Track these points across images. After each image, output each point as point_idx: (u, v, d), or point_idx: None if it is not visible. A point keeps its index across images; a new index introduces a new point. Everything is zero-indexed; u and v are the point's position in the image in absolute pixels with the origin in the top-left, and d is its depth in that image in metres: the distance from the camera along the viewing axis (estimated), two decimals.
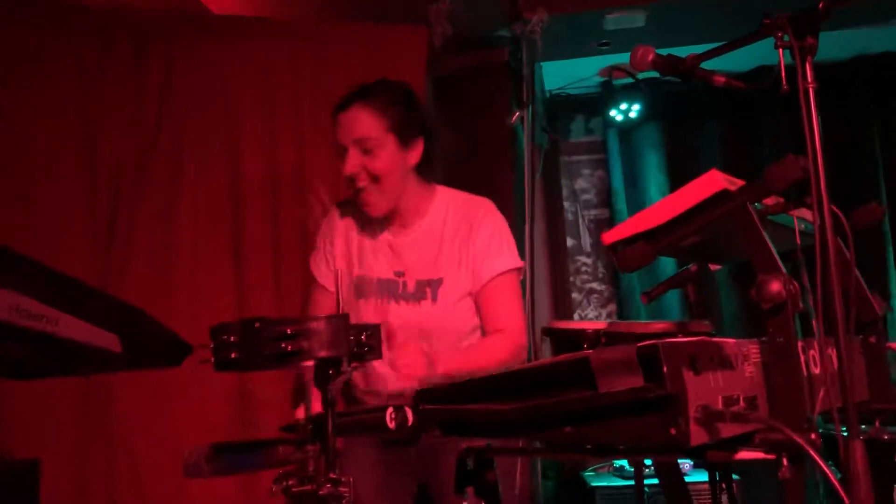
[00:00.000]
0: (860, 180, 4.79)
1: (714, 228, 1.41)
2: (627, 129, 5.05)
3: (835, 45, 4.40)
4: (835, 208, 1.43)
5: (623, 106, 4.92)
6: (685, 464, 3.55)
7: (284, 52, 2.89)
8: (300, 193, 2.80)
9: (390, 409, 1.46)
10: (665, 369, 1.04)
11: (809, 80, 1.35)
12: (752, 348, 1.28)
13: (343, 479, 1.32)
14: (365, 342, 1.36)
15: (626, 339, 2.23)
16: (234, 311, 2.64)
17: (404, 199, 2.08)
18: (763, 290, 1.21)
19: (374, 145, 1.99)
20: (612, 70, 4.72)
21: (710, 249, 1.70)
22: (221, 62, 2.80)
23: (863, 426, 3.01)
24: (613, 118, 4.97)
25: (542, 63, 4.31)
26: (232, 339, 1.27)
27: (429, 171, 2.14)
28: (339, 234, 2.16)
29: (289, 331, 1.24)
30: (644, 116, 4.95)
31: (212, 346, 1.31)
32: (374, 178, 2.00)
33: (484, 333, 2.11)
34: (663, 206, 1.44)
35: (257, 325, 1.26)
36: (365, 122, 1.99)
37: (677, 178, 4.87)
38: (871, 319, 1.75)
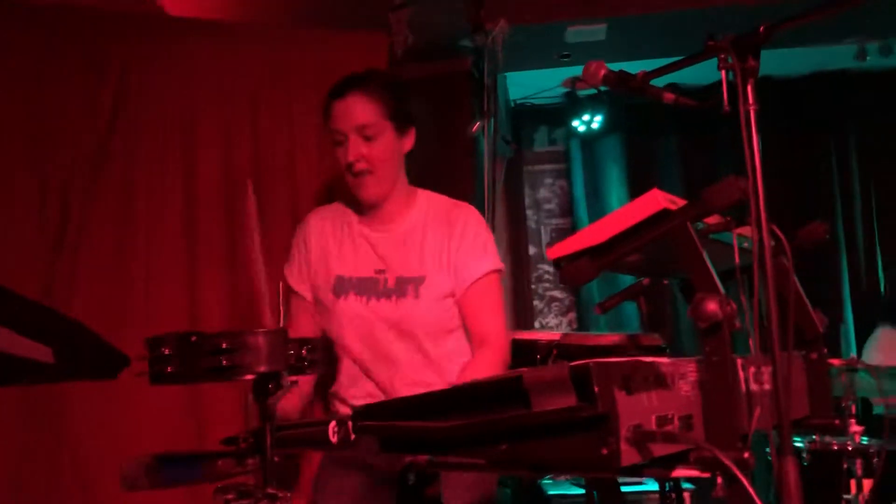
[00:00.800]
0: (815, 195, 4.87)
1: (656, 246, 1.42)
2: (590, 140, 5.10)
3: (793, 61, 4.48)
4: (775, 228, 1.45)
5: (586, 117, 4.96)
6: None
7: (242, 56, 2.86)
8: (257, 198, 2.78)
9: (333, 423, 1.45)
10: (596, 389, 1.05)
11: (751, 101, 1.37)
12: (690, 367, 1.30)
13: (280, 495, 1.31)
14: (305, 356, 1.35)
15: (577, 351, 2.25)
16: (187, 319, 2.60)
17: (393, 192, 2.10)
18: (699, 309, 1.22)
19: (375, 132, 2.03)
20: (575, 81, 4.76)
21: (654, 266, 1.71)
22: (178, 65, 2.77)
23: (813, 437, 3.06)
24: (576, 129, 5.02)
25: (506, 73, 4.33)
26: (167, 351, 1.25)
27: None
28: (314, 238, 2.17)
29: (225, 345, 1.23)
30: (606, 127, 5.00)
31: (148, 358, 1.29)
32: (373, 165, 2.04)
33: (469, 339, 2.13)
34: (606, 224, 1.45)
35: (194, 338, 1.24)
36: (365, 109, 2.02)
37: (638, 188, 4.89)
38: (813, 336, 1.78)
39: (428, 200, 2.17)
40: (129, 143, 2.69)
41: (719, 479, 1.20)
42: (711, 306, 1.22)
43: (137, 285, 2.62)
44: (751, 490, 1.05)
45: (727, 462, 1.06)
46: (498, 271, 2.14)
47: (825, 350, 1.84)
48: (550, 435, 1.10)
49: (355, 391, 2.10)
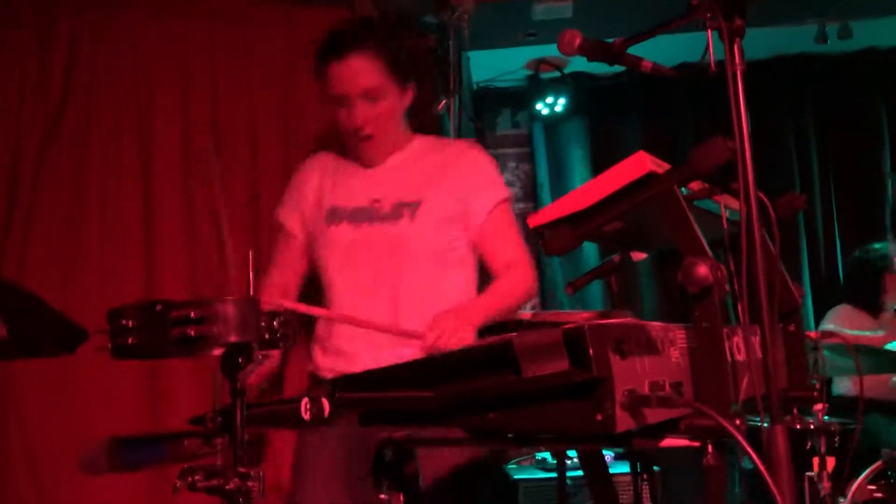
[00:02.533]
0: (775, 177, 4.91)
1: (639, 213, 1.38)
2: (553, 123, 5.06)
3: (754, 43, 4.49)
4: (761, 194, 1.42)
5: (549, 100, 4.92)
6: (606, 455, 3.56)
7: (202, 31, 2.76)
8: (216, 178, 2.68)
9: (306, 400, 1.38)
10: (591, 352, 1.00)
11: (738, 62, 1.33)
12: (679, 333, 1.26)
13: (252, 473, 1.24)
14: (277, 328, 1.28)
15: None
16: (144, 295, 2.51)
17: (396, 144, 2.07)
18: (690, 273, 1.18)
19: (379, 94, 1.96)
20: (539, 63, 4.72)
21: (635, 235, 1.67)
22: (134, 39, 2.65)
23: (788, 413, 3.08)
24: (539, 112, 4.97)
25: (469, 53, 4.27)
26: (131, 323, 1.18)
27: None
28: (314, 176, 2.12)
29: (193, 314, 1.15)
30: (569, 111, 4.97)
31: (109, 331, 1.21)
32: (378, 127, 1.98)
33: (492, 271, 2.07)
34: (589, 190, 1.41)
35: (159, 307, 1.16)
36: (370, 72, 1.94)
37: (601, 172, 4.90)
38: (792, 308, 1.76)
39: (426, 138, 2.15)
40: (81, 120, 2.58)
41: (710, 448, 1.17)
42: (702, 270, 1.18)
43: (91, 265, 2.52)
44: (752, 453, 1.01)
45: (728, 426, 1.02)
46: (508, 199, 2.10)
47: (801, 323, 1.83)
48: (542, 401, 1.05)
49: (342, 330, 1.98)
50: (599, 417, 1.00)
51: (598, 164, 5.00)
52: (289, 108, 2.67)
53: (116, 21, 2.63)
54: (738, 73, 1.33)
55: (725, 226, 1.37)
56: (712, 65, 1.35)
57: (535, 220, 1.45)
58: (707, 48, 1.41)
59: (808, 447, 2.96)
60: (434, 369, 1.14)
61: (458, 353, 1.14)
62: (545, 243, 1.46)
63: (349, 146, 2.06)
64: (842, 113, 4.94)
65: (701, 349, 1.21)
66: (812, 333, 2.25)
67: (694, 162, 1.29)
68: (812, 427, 2.99)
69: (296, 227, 2.10)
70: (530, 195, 5.16)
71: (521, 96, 5.06)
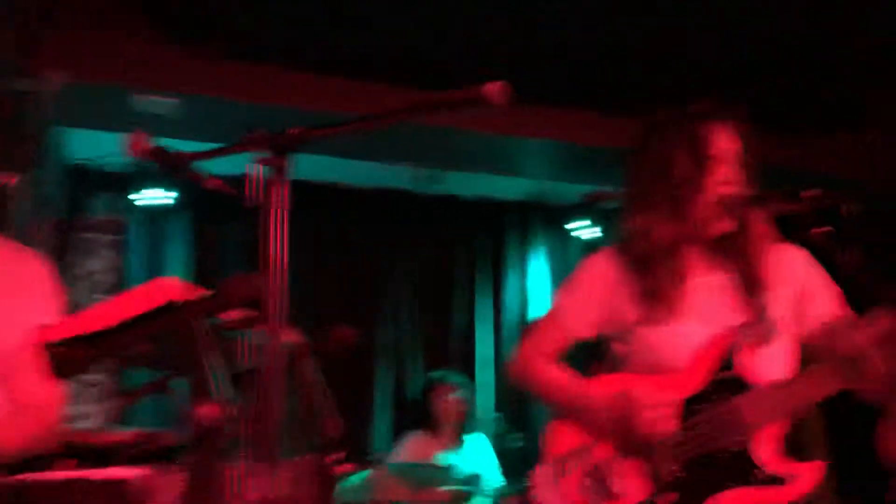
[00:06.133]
0: (369, 304, 5.21)
1: (167, 340, 1.31)
2: (155, 215, 4.83)
3: (354, 172, 4.78)
4: (297, 333, 1.44)
5: (159, 191, 4.70)
6: None
7: None
8: None
9: None
10: None
11: (275, 199, 1.35)
12: (176, 478, 1.18)
13: None
14: None
15: (82, 450, 2.00)
16: None
17: None
18: (190, 415, 1.12)
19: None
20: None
21: (170, 359, 1.58)
22: None
23: None
24: (142, 201, 4.73)
25: (67, 129, 3.94)
26: None
27: None
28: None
29: None
30: (177, 205, 4.80)
31: None
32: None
33: None
34: (110, 309, 1.30)
35: None
36: None
37: (203, 271, 4.78)
38: (327, 440, 1.79)
39: None
40: None
41: None
42: (203, 411, 1.13)
43: None
44: None
45: None
46: None
47: (343, 454, 1.86)
48: None
49: None
50: None
51: (201, 264, 4.87)
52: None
53: None
54: (281, 211, 1.34)
55: (247, 361, 1.34)
56: (250, 198, 1.36)
57: (45, 335, 1.29)
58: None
59: None
60: None
61: None
62: (54, 363, 1.31)
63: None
64: (428, 248, 5.45)
65: (194, 494, 1.15)
66: (347, 466, 2.34)
67: (220, 295, 1.26)
68: None
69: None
70: (118, 288, 4.80)
71: (122, 182, 4.77)
